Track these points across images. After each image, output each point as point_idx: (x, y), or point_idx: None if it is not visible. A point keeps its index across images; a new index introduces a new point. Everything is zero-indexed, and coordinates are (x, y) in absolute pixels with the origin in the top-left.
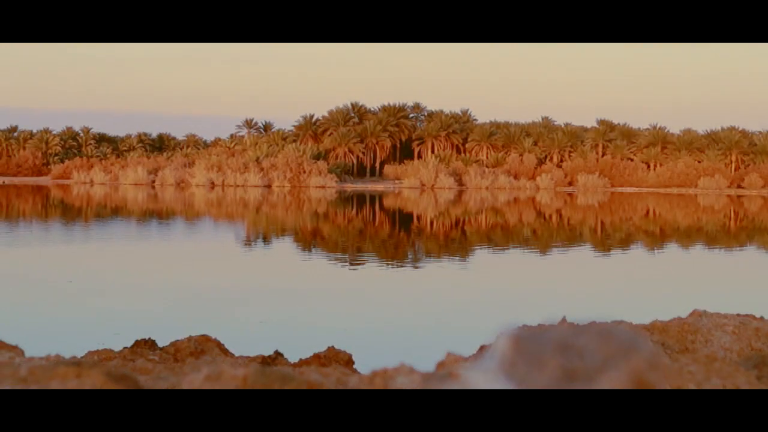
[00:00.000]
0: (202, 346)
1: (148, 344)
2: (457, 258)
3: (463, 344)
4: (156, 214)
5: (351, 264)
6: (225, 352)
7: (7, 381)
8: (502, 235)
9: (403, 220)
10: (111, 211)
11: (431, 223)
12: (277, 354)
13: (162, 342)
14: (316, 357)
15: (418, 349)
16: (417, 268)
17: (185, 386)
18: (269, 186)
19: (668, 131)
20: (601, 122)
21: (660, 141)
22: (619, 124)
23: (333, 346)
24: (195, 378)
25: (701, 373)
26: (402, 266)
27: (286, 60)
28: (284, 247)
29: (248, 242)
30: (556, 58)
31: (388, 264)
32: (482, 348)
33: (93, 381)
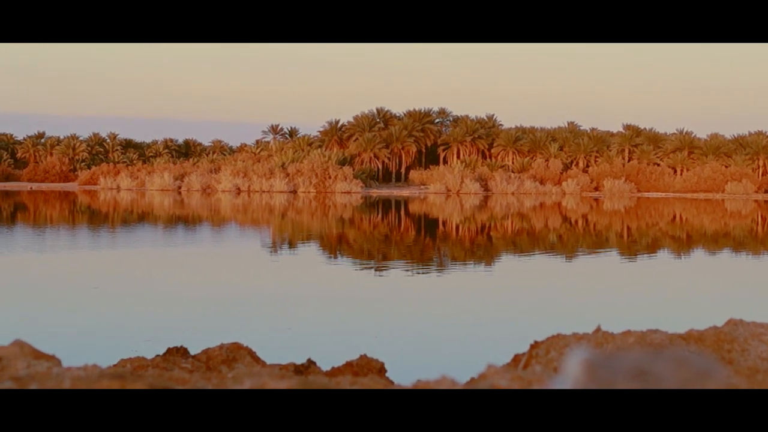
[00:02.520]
0: (234, 354)
1: (180, 352)
2: (484, 264)
3: (494, 351)
4: (182, 219)
5: (377, 270)
6: (256, 359)
7: None
8: (528, 240)
9: (428, 225)
10: (138, 217)
11: (457, 228)
12: (310, 362)
13: (192, 349)
14: (349, 365)
15: (449, 356)
16: (443, 274)
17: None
18: (295, 192)
19: (695, 136)
20: (627, 127)
21: (687, 146)
22: (645, 128)
23: (365, 354)
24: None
25: (744, 385)
26: (428, 272)
27: (312, 65)
28: (310, 253)
29: (274, 248)
30: (581, 62)
31: (414, 270)
32: (516, 357)
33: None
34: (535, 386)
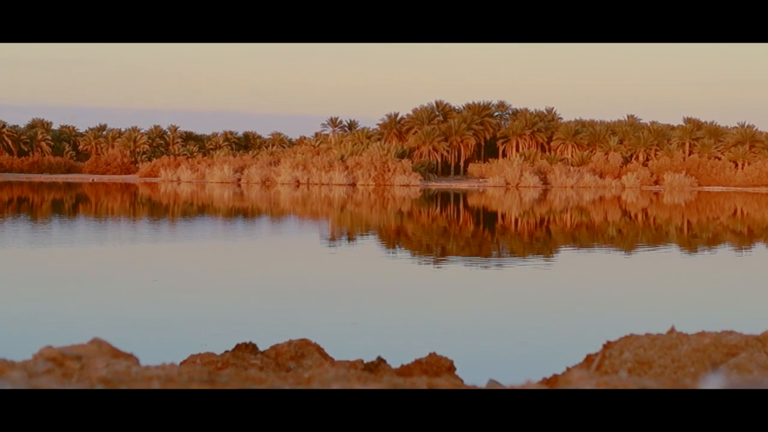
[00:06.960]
0: (302, 350)
1: (249, 348)
2: (544, 258)
3: (563, 350)
4: (242, 212)
5: (437, 264)
6: (325, 356)
7: None
8: (588, 235)
9: (488, 218)
10: (198, 210)
11: (516, 222)
12: (380, 360)
13: (257, 342)
14: (418, 363)
15: (516, 353)
16: (503, 268)
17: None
18: (354, 184)
19: (757, 129)
20: (688, 120)
21: (748, 139)
22: (706, 122)
23: (434, 352)
24: None
25: None
26: (488, 267)
27: (371, 59)
28: (370, 246)
29: (334, 241)
30: (641, 56)
31: (474, 264)
32: (588, 357)
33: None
34: None
